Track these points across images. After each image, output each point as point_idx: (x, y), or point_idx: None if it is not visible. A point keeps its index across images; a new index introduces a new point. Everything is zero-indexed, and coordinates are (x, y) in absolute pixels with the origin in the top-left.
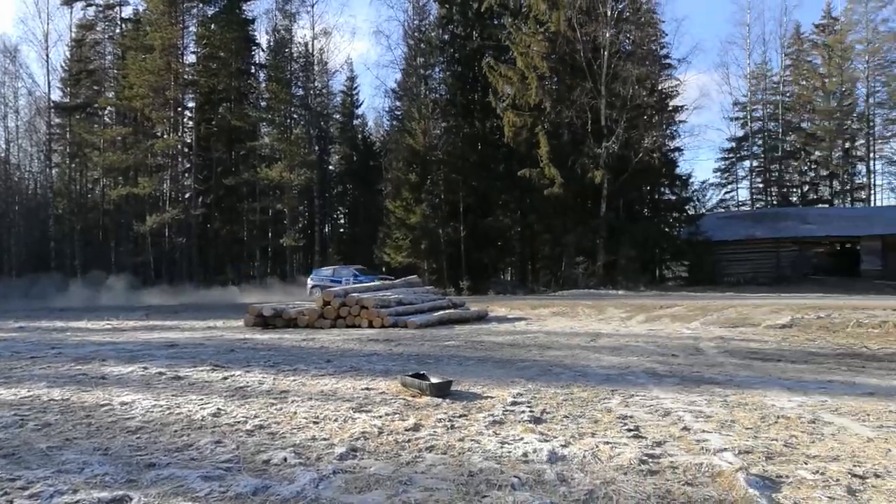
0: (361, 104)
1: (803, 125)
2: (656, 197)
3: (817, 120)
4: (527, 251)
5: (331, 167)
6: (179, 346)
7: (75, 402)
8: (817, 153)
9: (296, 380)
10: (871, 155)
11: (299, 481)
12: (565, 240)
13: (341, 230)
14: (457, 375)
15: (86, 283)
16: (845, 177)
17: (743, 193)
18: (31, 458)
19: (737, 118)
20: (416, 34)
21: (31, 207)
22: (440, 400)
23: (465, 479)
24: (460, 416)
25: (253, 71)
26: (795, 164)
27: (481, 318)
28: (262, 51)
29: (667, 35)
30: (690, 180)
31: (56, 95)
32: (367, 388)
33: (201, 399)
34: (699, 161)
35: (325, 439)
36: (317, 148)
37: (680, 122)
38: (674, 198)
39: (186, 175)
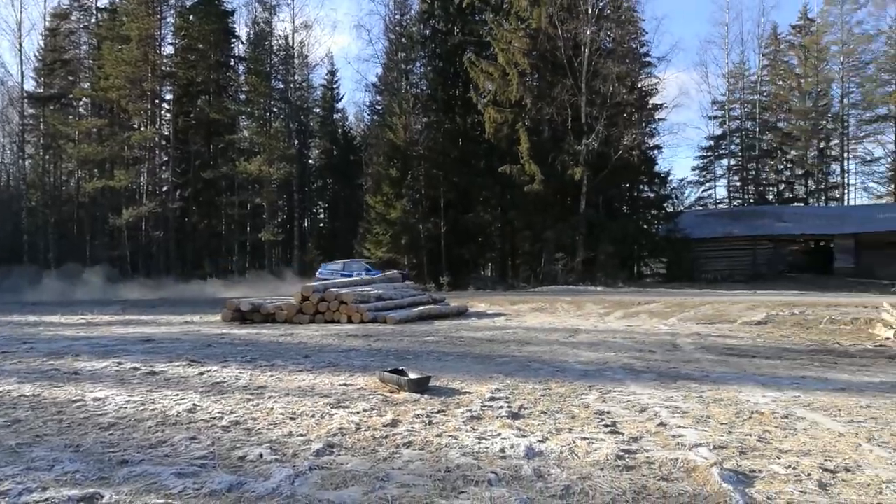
0: (342, 98)
1: (780, 124)
2: (635, 194)
3: (793, 119)
4: (507, 247)
5: (310, 161)
6: (155, 340)
7: (46, 398)
8: (793, 152)
9: (273, 375)
10: (845, 155)
11: (275, 478)
12: (545, 236)
13: (321, 225)
14: (436, 371)
15: (60, 276)
16: (820, 176)
17: (721, 191)
18: None
19: (715, 117)
20: (397, 29)
21: (4, 199)
22: (418, 396)
23: (442, 475)
24: (438, 412)
25: (232, 63)
26: (772, 162)
27: (461, 313)
28: (242, 43)
29: (647, 33)
30: (669, 178)
31: (29, 85)
32: (345, 384)
33: (176, 395)
34: (678, 159)
35: (301, 435)
36: (296, 142)
37: (659, 119)
38: (652, 195)
39: (164, 168)
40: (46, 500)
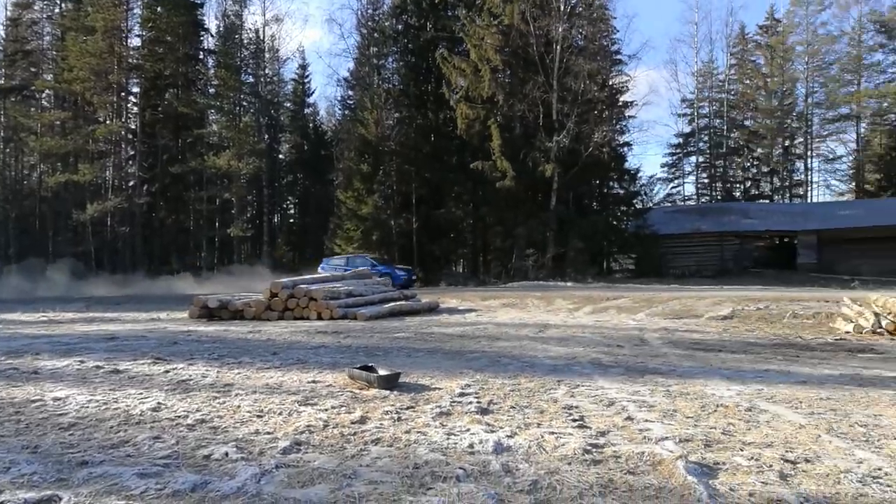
0: (313, 93)
1: (747, 123)
2: (605, 191)
3: (759, 118)
4: (479, 243)
5: (281, 156)
6: (120, 338)
7: (4, 398)
8: (759, 150)
9: (240, 373)
10: (809, 153)
11: (240, 476)
12: (516, 232)
13: (291, 220)
14: (406, 367)
15: (21, 273)
16: (785, 173)
17: (689, 188)
18: None
19: (684, 114)
20: (369, 23)
21: None
22: (388, 392)
23: (410, 472)
24: (407, 408)
25: (201, 56)
26: (739, 160)
27: (432, 309)
28: (212, 36)
29: (618, 31)
30: (639, 175)
31: None
32: (314, 381)
33: (141, 393)
34: (647, 156)
35: (268, 433)
36: (266, 136)
37: (629, 117)
38: (622, 192)
39: (130, 162)
40: (2, 503)
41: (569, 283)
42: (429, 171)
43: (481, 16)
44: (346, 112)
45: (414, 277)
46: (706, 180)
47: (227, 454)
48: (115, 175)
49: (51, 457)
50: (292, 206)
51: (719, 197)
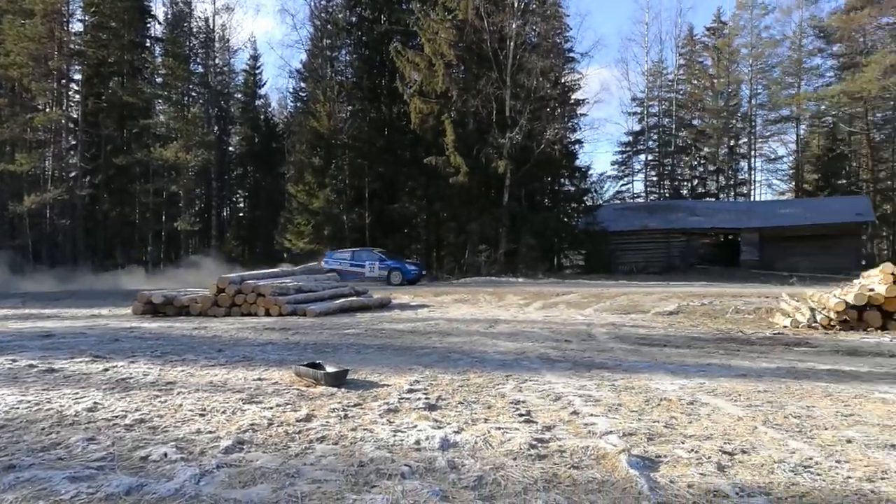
0: (265, 84)
1: (694, 122)
2: (556, 188)
3: (707, 118)
4: (432, 238)
5: (231, 148)
6: (57, 335)
7: None
8: (706, 149)
9: (184, 370)
10: (753, 153)
11: (179, 477)
12: (469, 228)
13: (240, 214)
14: (354, 364)
15: None
16: (730, 172)
17: (638, 186)
18: None
19: (634, 113)
20: (322, 15)
21: None
22: (335, 389)
23: (354, 470)
24: (355, 406)
25: (148, 44)
26: (686, 159)
27: (384, 305)
28: (159, 23)
29: (571, 29)
30: (589, 172)
31: None
32: (260, 379)
33: (76, 393)
34: (598, 154)
35: (210, 432)
36: (216, 128)
37: (581, 115)
38: (573, 189)
39: (72, 153)
40: None
41: (520, 279)
42: (382, 165)
43: (435, 10)
44: (299, 104)
45: (424, 272)
46: (655, 178)
47: (165, 455)
48: (55, 165)
49: None
50: (242, 199)
51: (667, 195)
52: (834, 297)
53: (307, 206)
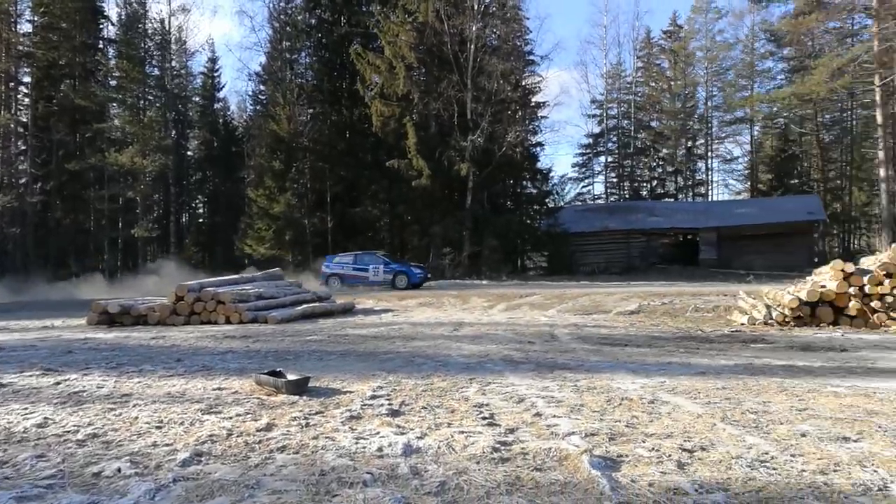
0: (223, 87)
1: (653, 124)
2: (518, 190)
3: (664, 119)
4: (395, 242)
5: (189, 153)
6: (6, 349)
7: None
8: (664, 151)
9: (140, 381)
10: (710, 154)
11: (133, 493)
12: (432, 231)
13: (200, 220)
14: (316, 371)
15: None
16: (688, 173)
17: (598, 187)
18: None
19: (594, 115)
20: (281, 16)
21: None
22: (297, 397)
23: (316, 479)
24: (316, 414)
25: (101, 46)
26: (645, 160)
27: (347, 310)
28: (112, 24)
29: (531, 32)
30: (550, 174)
31: None
32: (219, 388)
33: (25, 408)
34: (559, 156)
35: (167, 445)
36: (173, 132)
37: (542, 117)
38: (535, 191)
39: (21, 158)
40: None
41: (484, 281)
42: (344, 168)
43: (396, 12)
44: (258, 108)
45: (429, 276)
46: (615, 180)
47: (119, 470)
48: (3, 171)
49: None
50: (201, 205)
51: (627, 196)
52: (788, 294)
53: (268, 211)
